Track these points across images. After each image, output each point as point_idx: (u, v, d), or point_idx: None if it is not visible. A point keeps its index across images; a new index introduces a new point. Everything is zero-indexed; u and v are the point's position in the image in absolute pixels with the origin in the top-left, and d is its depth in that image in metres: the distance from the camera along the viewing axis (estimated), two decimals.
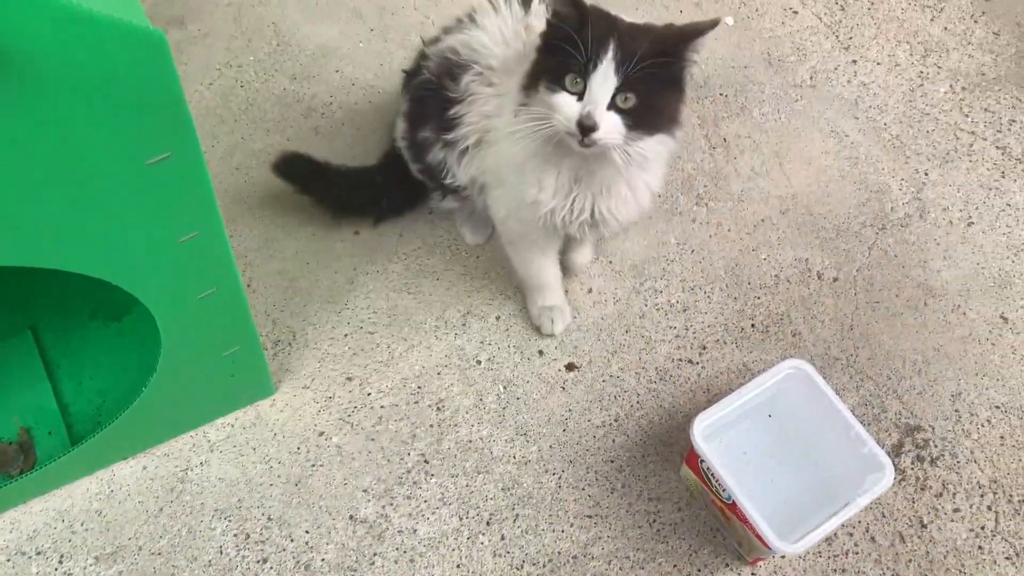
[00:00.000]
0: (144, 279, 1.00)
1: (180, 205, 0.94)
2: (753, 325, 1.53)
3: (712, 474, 1.25)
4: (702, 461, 1.26)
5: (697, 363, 1.49)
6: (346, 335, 1.48)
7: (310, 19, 1.80)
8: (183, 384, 1.24)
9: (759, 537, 1.20)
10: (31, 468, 1.28)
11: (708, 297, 1.56)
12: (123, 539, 1.29)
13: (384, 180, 1.54)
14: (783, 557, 1.33)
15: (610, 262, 1.58)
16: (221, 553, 1.29)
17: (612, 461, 1.39)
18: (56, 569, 1.26)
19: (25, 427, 1.32)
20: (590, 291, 1.55)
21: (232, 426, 1.39)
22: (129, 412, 1.22)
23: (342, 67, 1.74)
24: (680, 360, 1.49)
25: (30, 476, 1.25)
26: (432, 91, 1.31)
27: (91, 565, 1.26)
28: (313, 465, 1.36)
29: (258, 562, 1.28)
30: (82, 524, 1.30)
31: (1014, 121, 1.79)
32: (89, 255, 0.92)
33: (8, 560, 1.26)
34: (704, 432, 1.24)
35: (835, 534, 1.35)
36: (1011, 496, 1.40)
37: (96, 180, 0.84)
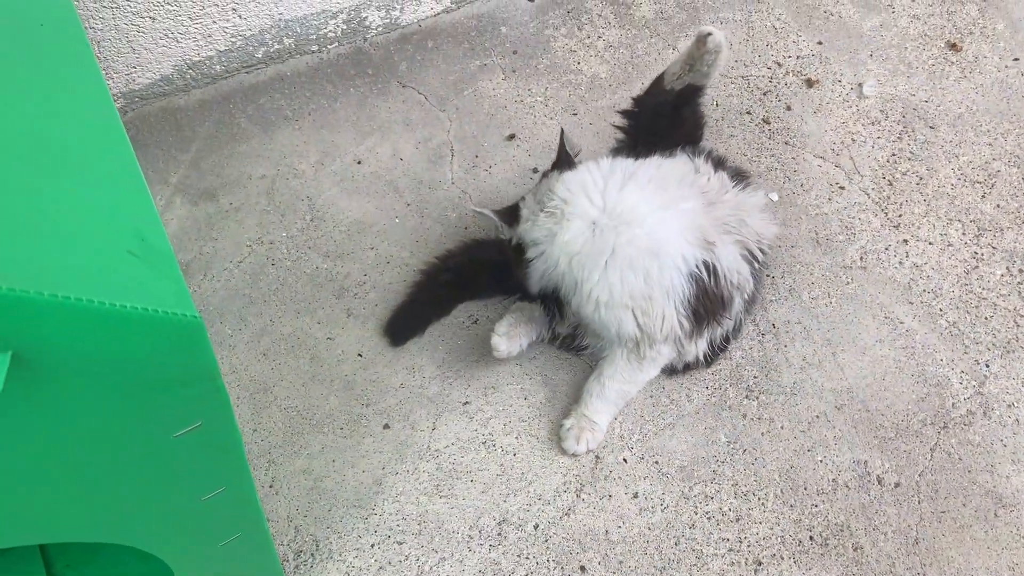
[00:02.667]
0: (161, 537, 0.91)
1: (207, 467, 0.86)
2: (811, 537, 1.42)
3: None
4: None
5: None
6: (373, 545, 1.37)
7: (346, 193, 1.76)
8: None
9: None
10: None
11: (762, 504, 1.45)
12: None
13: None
14: None
15: (656, 462, 1.48)
16: None
17: None
18: None
19: None
20: (635, 496, 1.45)
21: None
22: None
23: (377, 244, 1.69)
24: None
25: None
26: None
27: None
28: None
29: None
30: None
31: None
32: (101, 525, 0.84)
33: None
34: None
35: None
36: None
37: (116, 457, 0.76)
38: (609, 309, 1.37)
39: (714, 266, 1.36)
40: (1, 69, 0.82)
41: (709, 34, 1.39)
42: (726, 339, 1.55)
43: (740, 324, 1.58)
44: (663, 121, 1.53)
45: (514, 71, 1.98)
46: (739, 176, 1.52)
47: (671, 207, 1.36)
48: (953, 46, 2.13)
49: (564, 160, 1.49)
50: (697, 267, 1.34)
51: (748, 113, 1.97)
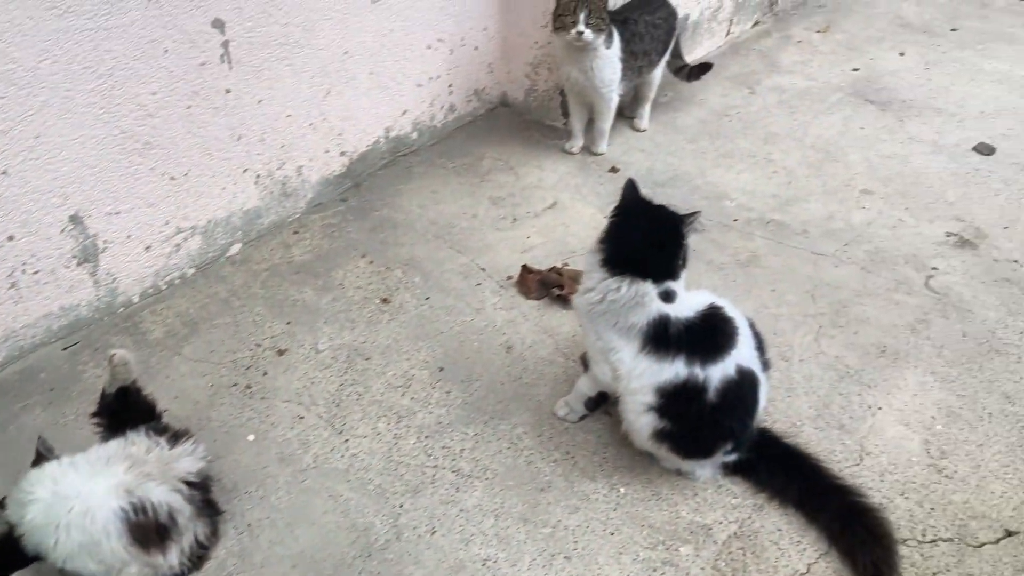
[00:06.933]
0: None
1: None
2: None
3: None
4: None
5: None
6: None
7: None
8: None
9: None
10: None
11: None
12: None
13: None
14: None
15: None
16: None
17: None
18: None
19: None
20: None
21: None
22: None
23: None
24: None
25: None
26: None
27: None
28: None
29: None
30: None
31: (464, 449, 2.54)
32: None
33: None
34: None
35: None
36: None
37: None
38: (74, 560, 1.98)
39: (143, 504, 2.02)
40: None
41: (114, 354, 2.16)
42: (202, 545, 2.20)
43: (212, 531, 2.23)
44: (120, 412, 2.24)
45: (51, 403, 2.66)
46: (176, 437, 2.23)
47: (99, 477, 2.03)
48: (385, 300, 3.08)
49: (38, 459, 2.14)
50: (124, 509, 2.00)
51: (235, 385, 2.75)
